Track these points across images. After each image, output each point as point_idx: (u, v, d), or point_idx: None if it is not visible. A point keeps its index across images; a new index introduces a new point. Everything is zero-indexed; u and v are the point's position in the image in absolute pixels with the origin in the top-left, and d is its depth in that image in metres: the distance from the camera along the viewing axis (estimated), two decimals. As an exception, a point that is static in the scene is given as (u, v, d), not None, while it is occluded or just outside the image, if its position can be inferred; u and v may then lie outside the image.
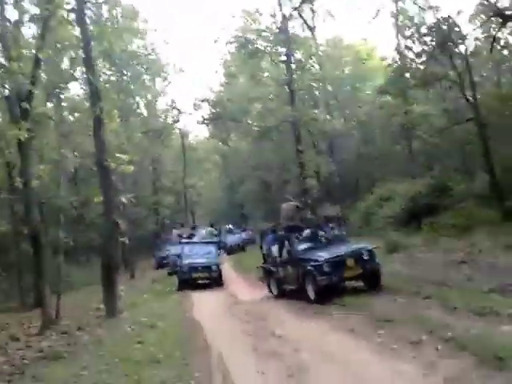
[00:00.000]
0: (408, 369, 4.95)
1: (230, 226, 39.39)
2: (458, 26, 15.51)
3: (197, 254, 17.23)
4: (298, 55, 25.24)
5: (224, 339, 7.95)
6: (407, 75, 18.16)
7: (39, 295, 13.62)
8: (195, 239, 21.68)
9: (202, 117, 32.99)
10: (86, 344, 8.81)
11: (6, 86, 10.93)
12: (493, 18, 15.60)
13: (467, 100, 15.78)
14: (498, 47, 17.80)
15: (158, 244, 31.81)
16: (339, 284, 9.84)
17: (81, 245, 25.86)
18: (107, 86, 15.97)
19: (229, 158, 43.99)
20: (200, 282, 16.49)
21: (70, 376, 6.54)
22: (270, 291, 12.12)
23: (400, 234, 14.89)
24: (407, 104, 20.83)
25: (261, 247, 13.46)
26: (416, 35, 17.22)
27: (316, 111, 25.00)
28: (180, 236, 24.58)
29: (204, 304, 12.77)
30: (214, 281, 16.42)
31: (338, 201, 25.21)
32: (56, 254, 17.54)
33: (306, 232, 11.49)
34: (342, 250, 10.01)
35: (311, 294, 9.69)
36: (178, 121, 35.24)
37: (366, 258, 9.65)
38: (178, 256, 17.58)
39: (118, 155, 12.31)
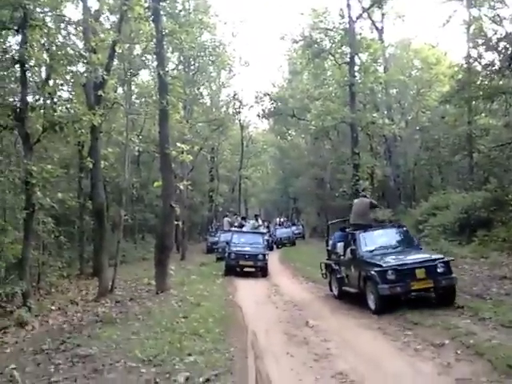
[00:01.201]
0: (425, 367, 5.31)
1: (281, 219, 39.88)
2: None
3: (245, 242, 17.60)
4: (363, 57, 25.14)
5: (260, 323, 8.52)
6: (473, 86, 17.80)
7: (97, 266, 14.60)
8: (245, 229, 22.25)
9: (263, 110, 33.60)
10: (136, 314, 9.53)
11: (85, 74, 11.82)
12: None
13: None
14: None
15: (210, 230, 32.92)
16: (405, 296, 8.67)
17: (137, 223, 27.35)
18: (175, 77, 16.64)
19: (286, 152, 44.29)
20: (246, 269, 16.91)
21: (122, 339, 7.27)
22: (331, 290, 11.25)
23: (450, 244, 14.73)
24: (471, 115, 20.43)
25: (327, 242, 12.40)
26: (485, 46, 16.89)
27: (375, 114, 24.80)
28: (231, 224, 25.10)
29: (247, 290, 13.28)
30: (260, 270, 16.83)
31: (391, 205, 25.08)
32: (115, 230, 18.80)
33: (378, 232, 10.37)
34: (412, 257, 8.88)
35: (371, 303, 8.68)
36: (240, 112, 35.70)
37: (440, 270, 8.41)
38: (228, 243, 18.02)
39: (178, 145, 13.06)
